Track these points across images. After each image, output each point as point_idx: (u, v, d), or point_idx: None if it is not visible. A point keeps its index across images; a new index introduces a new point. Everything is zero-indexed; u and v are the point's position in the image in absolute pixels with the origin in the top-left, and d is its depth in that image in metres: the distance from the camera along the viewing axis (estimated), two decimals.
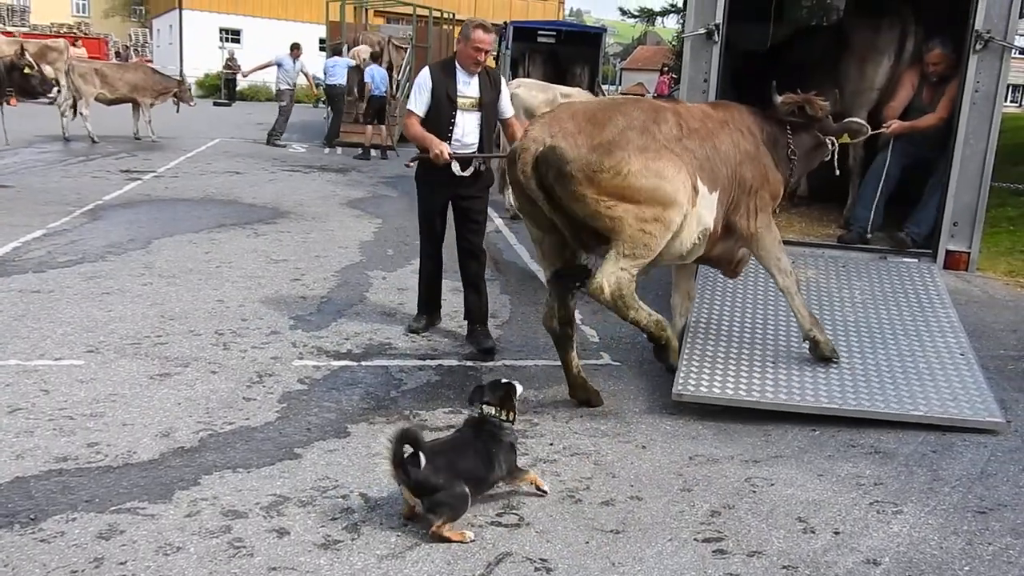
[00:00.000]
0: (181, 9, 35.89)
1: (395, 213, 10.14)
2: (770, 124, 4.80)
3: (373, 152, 15.50)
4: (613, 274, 4.11)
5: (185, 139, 16.18)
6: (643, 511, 3.45)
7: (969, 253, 5.90)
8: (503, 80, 5.55)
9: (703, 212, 4.36)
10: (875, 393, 4.51)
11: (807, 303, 4.92)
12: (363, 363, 5.02)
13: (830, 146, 4.95)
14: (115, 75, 15.13)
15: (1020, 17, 5.69)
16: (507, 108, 5.47)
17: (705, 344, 4.96)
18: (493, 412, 3.39)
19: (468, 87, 5.21)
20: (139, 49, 41.53)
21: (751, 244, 4.70)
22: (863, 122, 5.22)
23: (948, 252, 5.93)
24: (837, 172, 5.10)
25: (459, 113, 5.19)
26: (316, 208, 10.08)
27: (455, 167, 5.13)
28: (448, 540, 3.10)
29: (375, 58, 16.43)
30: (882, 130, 6.22)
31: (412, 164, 5.36)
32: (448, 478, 3.11)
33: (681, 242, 4.35)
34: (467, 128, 5.24)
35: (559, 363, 4.61)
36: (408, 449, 3.09)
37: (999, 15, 5.52)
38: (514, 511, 3.38)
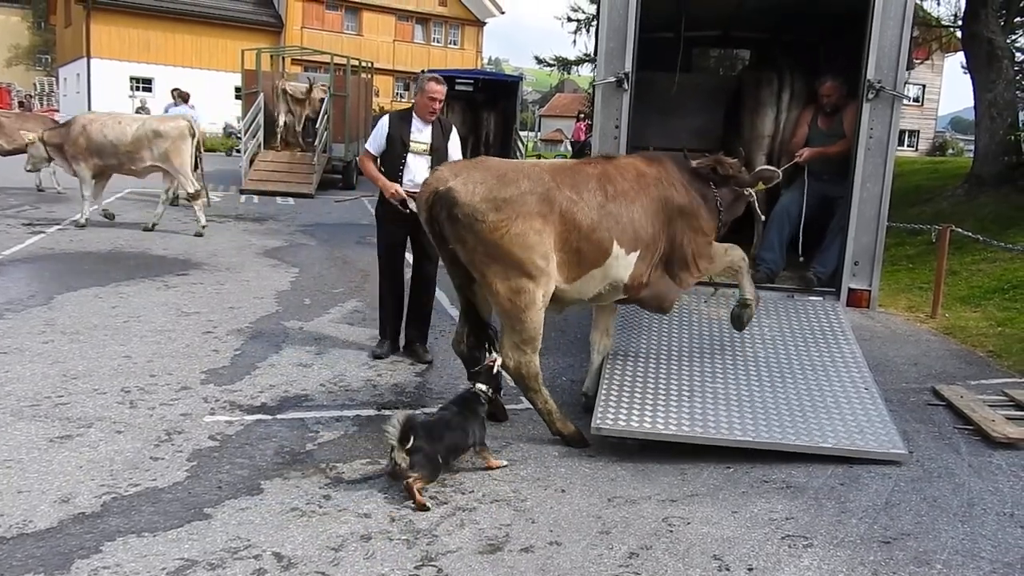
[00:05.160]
0: (89, 58, 34.92)
1: (313, 262, 10.01)
2: (697, 179, 5.10)
3: None
4: (515, 355, 4.50)
5: None
6: (562, 557, 3.44)
7: (870, 291, 6.16)
8: (454, 129, 6.17)
9: (618, 270, 4.68)
10: (786, 426, 4.64)
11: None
12: (278, 416, 4.90)
13: (748, 196, 5.33)
14: (13, 126, 14.58)
15: (908, 68, 6.06)
16: (455, 153, 5.99)
17: (623, 377, 5.04)
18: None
19: (421, 134, 5.89)
20: (45, 99, 40.19)
21: (707, 274, 5.17)
22: (773, 168, 5.66)
23: (851, 290, 6.18)
24: (763, 218, 5.65)
25: (410, 156, 5.84)
26: (231, 258, 9.87)
27: (410, 204, 5.57)
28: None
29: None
30: (796, 160, 6.55)
31: (339, 202, 5.82)
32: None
33: (581, 292, 4.70)
34: (417, 170, 5.81)
35: None
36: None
37: (888, 66, 5.86)
38: (432, 563, 3.32)
